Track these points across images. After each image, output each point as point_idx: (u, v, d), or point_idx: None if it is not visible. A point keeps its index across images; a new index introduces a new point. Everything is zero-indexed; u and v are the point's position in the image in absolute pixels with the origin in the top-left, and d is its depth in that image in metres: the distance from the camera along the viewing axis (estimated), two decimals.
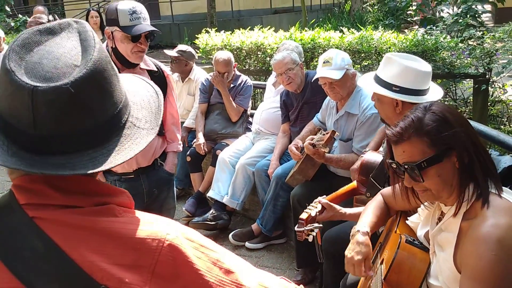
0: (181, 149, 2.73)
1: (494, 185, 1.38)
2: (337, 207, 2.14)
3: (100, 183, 0.89)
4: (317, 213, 2.09)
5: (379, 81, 2.11)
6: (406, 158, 1.38)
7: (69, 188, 0.83)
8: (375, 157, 2.36)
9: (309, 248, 2.79)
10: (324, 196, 2.24)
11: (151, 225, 0.84)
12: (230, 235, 3.69)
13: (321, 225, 2.04)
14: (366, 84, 2.19)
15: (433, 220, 1.54)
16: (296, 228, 2.04)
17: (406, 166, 1.38)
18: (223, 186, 3.84)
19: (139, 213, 0.88)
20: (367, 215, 1.82)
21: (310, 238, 2.00)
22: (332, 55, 2.88)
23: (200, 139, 4.13)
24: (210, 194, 3.87)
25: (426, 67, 2.12)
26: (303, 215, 2.05)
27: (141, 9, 2.26)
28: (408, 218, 1.76)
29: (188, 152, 4.19)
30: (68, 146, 0.81)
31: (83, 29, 0.86)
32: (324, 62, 2.88)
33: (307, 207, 2.13)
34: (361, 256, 1.61)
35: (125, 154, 0.85)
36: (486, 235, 1.25)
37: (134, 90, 0.98)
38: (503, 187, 1.42)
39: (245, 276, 0.89)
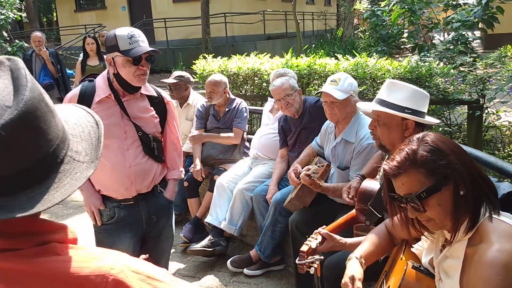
0: (183, 176, 2.73)
1: (494, 209, 1.40)
2: (337, 237, 2.13)
3: (40, 220, 0.88)
4: (318, 245, 2.07)
5: (388, 105, 2.12)
6: (406, 190, 1.42)
7: (9, 230, 0.82)
8: (373, 185, 2.36)
9: (309, 276, 2.76)
10: (324, 226, 2.23)
11: (94, 261, 0.84)
12: (228, 262, 3.65)
13: (321, 257, 2.01)
14: (374, 107, 2.18)
15: (437, 247, 1.55)
16: (297, 261, 2.01)
17: (407, 198, 1.42)
18: (221, 212, 3.82)
19: (83, 248, 0.87)
20: (364, 244, 1.88)
21: (312, 270, 1.97)
22: (342, 77, 2.90)
23: (198, 165, 4.13)
24: (208, 219, 3.85)
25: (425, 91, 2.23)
26: (304, 248, 2.02)
27: (139, 33, 2.30)
28: (413, 245, 1.77)
29: (185, 177, 4.18)
30: (4, 188, 0.80)
31: (16, 67, 0.84)
32: (331, 81, 2.90)
33: (307, 239, 2.10)
34: (346, 277, 1.66)
35: (64, 191, 0.84)
36: (493, 260, 1.27)
37: (74, 121, 0.96)
38: (506, 213, 1.44)
39: None
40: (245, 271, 3.59)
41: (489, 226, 1.36)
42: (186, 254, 3.93)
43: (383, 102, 2.15)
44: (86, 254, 0.85)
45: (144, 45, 2.28)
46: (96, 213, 2.47)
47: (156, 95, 2.52)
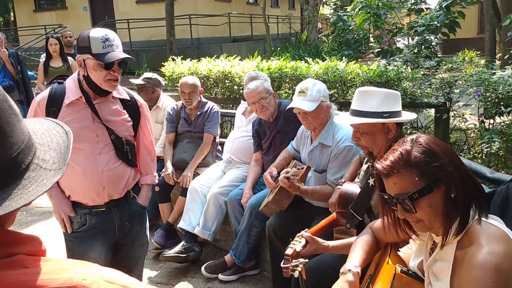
0: (156, 181, 2.66)
1: (482, 212, 1.41)
2: (320, 240, 2.11)
3: (6, 232, 0.84)
4: (302, 248, 2.06)
5: (365, 114, 2.12)
6: (398, 190, 1.41)
7: None
8: (352, 188, 2.37)
9: (286, 281, 2.74)
10: (306, 229, 2.22)
11: (65, 272, 0.81)
12: (202, 267, 3.58)
13: (306, 260, 2.00)
14: (353, 121, 2.17)
15: (426, 251, 1.55)
16: (282, 265, 1.99)
17: (398, 198, 1.41)
18: (194, 217, 3.75)
19: (52, 260, 0.84)
20: (357, 252, 1.81)
21: (296, 274, 1.96)
22: (309, 86, 2.87)
23: (169, 168, 4.05)
24: (181, 225, 3.77)
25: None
26: (288, 251, 2.00)
27: (114, 36, 2.22)
28: (399, 249, 1.77)
29: (156, 182, 4.07)
30: None
31: None
32: (299, 92, 2.88)
33: (291, 242, 2.08)
34: None
35: (28, 196, 0.80)
36: (484, 263, 1.27)
37: (42, 132, 0.94)
38: (493, 216, 1.46)
39: None
40: (220, 276, 3.53)
41: (478, 229, 1.37)
42: (158, 260, 3.84)
43: (359, 113, 2.15)
44: (56, 266, 0.82)
45: (118, 50, 2.21)
46: (66, 220, 2.37)
47: (129, 98, 2.44)
